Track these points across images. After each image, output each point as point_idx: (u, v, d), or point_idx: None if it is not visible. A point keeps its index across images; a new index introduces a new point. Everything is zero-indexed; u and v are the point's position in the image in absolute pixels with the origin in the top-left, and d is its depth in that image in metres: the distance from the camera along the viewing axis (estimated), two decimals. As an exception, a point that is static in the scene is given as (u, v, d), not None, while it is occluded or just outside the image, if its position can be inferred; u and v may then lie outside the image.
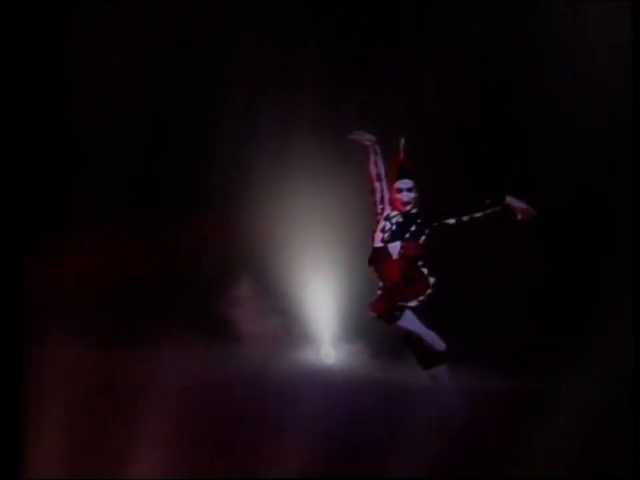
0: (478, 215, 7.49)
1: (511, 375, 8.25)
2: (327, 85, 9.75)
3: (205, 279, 9.41)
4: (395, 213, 7.64)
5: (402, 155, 7.69)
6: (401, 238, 7.52)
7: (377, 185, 7.71)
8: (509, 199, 7.45)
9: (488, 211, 7.49)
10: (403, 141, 7.74)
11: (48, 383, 7.10)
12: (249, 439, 6.56)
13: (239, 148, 9.64)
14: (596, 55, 9.04)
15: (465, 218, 7.53)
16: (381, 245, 7.58)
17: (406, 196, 7.58)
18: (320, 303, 9.59)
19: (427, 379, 7.54)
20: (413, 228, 7.52)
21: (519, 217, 7.48)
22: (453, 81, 9.50)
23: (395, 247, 7.52)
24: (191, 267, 9.55)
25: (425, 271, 7.49)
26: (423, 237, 7.56)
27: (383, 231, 7.62)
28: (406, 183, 7.60)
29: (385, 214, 7.66)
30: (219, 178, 9.52)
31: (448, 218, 7.54)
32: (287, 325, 9.44)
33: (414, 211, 7.61)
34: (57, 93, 9.09)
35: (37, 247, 8.55)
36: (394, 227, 7.56)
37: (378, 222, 7.69)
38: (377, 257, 7.60)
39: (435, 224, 7.56)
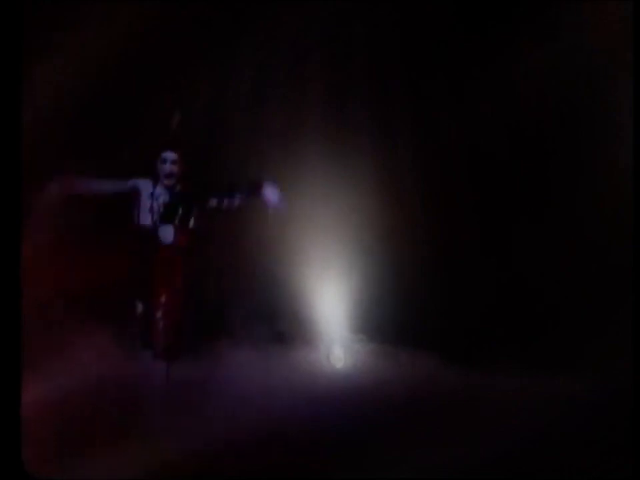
0: (237, 200, 7.15)
1: (510, 374, 8.27)
2: (335, 85, 9.77)
3: (210, 277, 9.38)
4: (162, 191, 7.17)
5: (173, 127, 7.38)
6: (171, 221, 7.11)
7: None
8: (266, 190, 7.19)
9: (248, 197, 7.20)
10: (178, 115, 7.40)
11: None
12: (254, 443, 6.57)
13: (244, 148, 9.63)
14: (597, 56, 9.07)
15: (225, 202, 7.13)
16: (148, 225, 7.07)
17: (169, 167, 7.21)
18: (329, 303, 9.57)
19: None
20: (180, 210, 7.11)
21: (269, 211, 7.21)
22: (461, 83, 9.52)
23: (166, 230, 7.13)
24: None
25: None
26: (192, 221, 7.17)
27: (151, 210, 7.14)
28: (170, 155, 7.26)
29: (151, 191, 7.15)
30: (226, 177, 9.51)
31: (209, 199, 7.17)
32: (296, 326, 9.42)
33: (177, 188, 7.19)
34: (56, 93, 9.08)
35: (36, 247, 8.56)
36: (161, 208, 7.14)
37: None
38: (144, 242, 7.06)
39: (197, 204, 7.15)
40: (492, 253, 9.35)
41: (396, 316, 9.30)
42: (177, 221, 7.06)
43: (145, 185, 7.25)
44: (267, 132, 9.69)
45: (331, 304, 9.54)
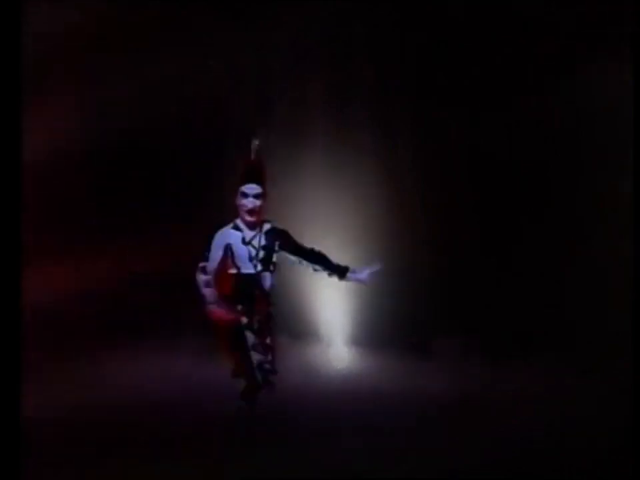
0: (317, 267, 6.55)
1: (511, 374, 8.28)
2: (335, 85, 9.77)
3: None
4: (253, 234, 6.51)
5: (253, 157, 6.68)
6: (269, 267, 6.57)
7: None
8: (351, 275, 6.52)
9: (327, 271, 6.56)
10: (256, 142, 6.64)
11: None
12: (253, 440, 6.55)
13: (244, 149, 9.62)
14: (597, 55, 9.07)
15: (304, 263, 6.55)
16: (252, 272, 6.50)
17: (251, 202, 6.46)
18: (331, 304, 9.56)
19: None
20: (274, 257, 6.54)
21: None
22: (461, 83, 9.52)
23: (265, 278, 6.54)
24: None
25: None
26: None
27: (250, 258, 6.50)
28: (252, 188, 6.50)
29: (242, 236, 6.52)
30: (229, 176, 9.48)
31: (294, 253, 6.57)
32: (297, 326, 9.41)
33: (267, 227, 6.54)
34: (55, 93, 9.09)
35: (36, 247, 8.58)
36: (261, 253, 6.55)
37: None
38: (246, 286, 6.54)
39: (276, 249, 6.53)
40: (492, 252, 9.35)
41: (396, 316, 9.30)
42: (272, 267, 6.56)
43: (231, 235, 6.59)
44: (267, 132, 9.69)
45: (332, 304, 9.54)
